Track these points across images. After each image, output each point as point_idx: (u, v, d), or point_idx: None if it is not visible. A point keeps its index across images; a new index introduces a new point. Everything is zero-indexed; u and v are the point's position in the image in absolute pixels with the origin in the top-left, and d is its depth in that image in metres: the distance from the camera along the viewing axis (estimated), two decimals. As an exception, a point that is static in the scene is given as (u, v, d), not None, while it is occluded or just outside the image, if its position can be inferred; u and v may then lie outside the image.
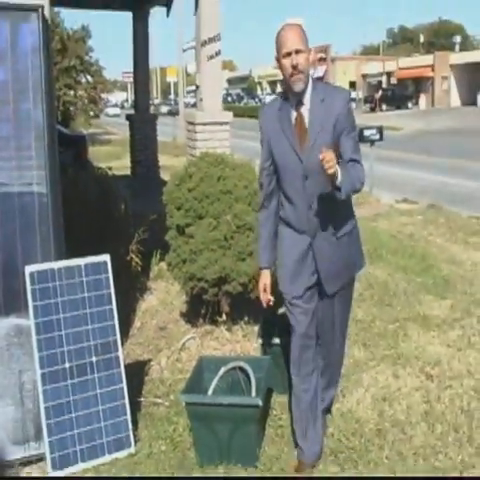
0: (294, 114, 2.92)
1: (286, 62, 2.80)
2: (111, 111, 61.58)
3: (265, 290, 3.21)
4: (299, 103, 2.90)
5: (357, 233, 3.20)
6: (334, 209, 2.95)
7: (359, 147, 2.97)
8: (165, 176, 10.58)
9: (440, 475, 3.12)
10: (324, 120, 2.85)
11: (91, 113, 26.98)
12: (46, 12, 3.39)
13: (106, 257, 3.45)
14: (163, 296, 5.71)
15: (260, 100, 60.65)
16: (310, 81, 2.90)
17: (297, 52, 2.78)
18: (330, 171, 2.61)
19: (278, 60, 2.86)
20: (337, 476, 3.13)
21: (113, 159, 17.49)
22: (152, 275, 6.07)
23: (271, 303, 3.21)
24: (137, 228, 5.58)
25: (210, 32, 6.97)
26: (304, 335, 3.11)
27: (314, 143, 2.84)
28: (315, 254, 3.05)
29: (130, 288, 5.51)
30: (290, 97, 2.92)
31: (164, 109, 55.34)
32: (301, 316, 3.10)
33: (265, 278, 3.23)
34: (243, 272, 4.48)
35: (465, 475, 3.11)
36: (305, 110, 2.90)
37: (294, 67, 2.79)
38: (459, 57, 50.81)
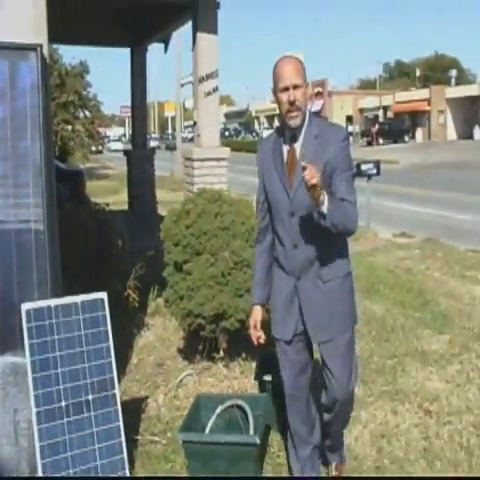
0: (287, 149, 2.87)
1: (283, 97, 2.74)
2: (113, 146, 62.03)
3: (255, 327, 3.10)
4: (293, 138, 2.84)
5: (350, 283, 2.98)
6: (322, 250, 2.83)
7: (354, 189, 2.83)
8: (163, 211, 10.65)
9: (440, 475, 3.11)
10: (315, 157, 2.73)
11: (93, 148, 27.22)
12: (45, 51, 3.46)
13: (103, 294, 3.46)
14: (160, 332, 5.71)
15: (257, 134, 61.32)
16: (307, 116, 2.83)
17: (295, 87, 2.71)
18: (312, 181, 2.47)
19: (275, 93, 2.80)
20: (337, 476, 3.11)
21: (110, 194, 17.63)
22: (149, 311, 6.09)
23: (261, 340, 3.09)
24: (134, 264, 5.62)
25: (207, 69, 7.10)
26: (291, 386, 3.04)
27: (302, 181, 2.65)
28: (300, 298, 2.91)
29: (127, 324, 5.53)
30: (285, 132, 2.87)
31: (153, 143, 55.76)
32: (289, 366, 3.02)
33: (256, 314, 3.13)
34: (240, 308, 4.51)
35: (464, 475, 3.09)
36: (298, 145, 2.83)
37: (291, 103, 2.72)
38: (455, 91, 51.57)
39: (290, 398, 3.08)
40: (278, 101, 2.78)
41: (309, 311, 2.89)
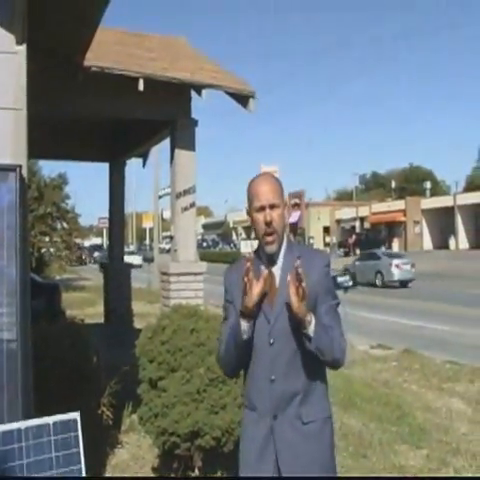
0: (265, 272, 2.63)
1: (259, 217, 2.56)
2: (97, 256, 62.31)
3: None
4: (271, 261, 2.62)
5: (331, 429, 2.65)
6: (304, 385, 2.55)
7: (340, 319, 2.61)
8: (139, 324, 10.73)
9: (440, 475, 3.06)
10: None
11: (73, 262, 27.26)
12: (24, 171, 3.58)
13: (76, 415, 3.40)
14: (134, 450, 5.67)
15: (235, 245, 62.27)
16: (285, 240, 2.64)
17: (272, 207, 2.55)
18: (295, 306, 2.37)
19: (250, 214, 2.64)
20: (338, 476, 3.05)
21: (87, 306, 17.64)
22: (124, 428, 6.06)
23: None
24: (109, 380, 5.66)
25: (185, 184, 7.43)
26: None
27: (283, 306, 2.50)
28: (276, 442, 2.53)
29: (100, 442, 5.48)
30: (261, 254, 2.66)
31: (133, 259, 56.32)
32: None
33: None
34: (216, 426, 4.55)
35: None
36: (277, 269, 2.61)
37: (268, 224, 2.54)
38: (430, 202, 53.45)
39: None
40: (253, 222, 2.61)
41: (286, 456, 2.53)
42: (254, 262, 2.61)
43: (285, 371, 2.53)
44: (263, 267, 2.63)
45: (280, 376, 2.53)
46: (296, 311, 2.40)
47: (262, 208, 2.56)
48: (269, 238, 2.56)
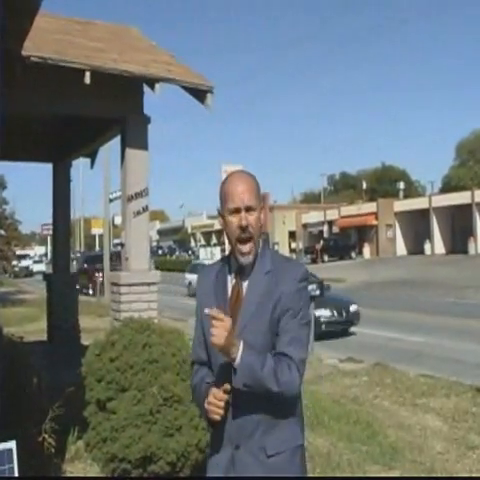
0: (232, 283, 2.57)
1: (233, 220, 2.47)
2: (36, 267, 61.22)
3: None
4: (240, 271, 2.55)
5: (302, 458, 2.54)
6: (268, 412, 2.43)
7: (303, 342, 2.49)
8: (87, 340, 10.61)
9: (440, 475, 3.10)
10: (264, 298, 2.48)
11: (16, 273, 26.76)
12: None
13: (11, 444, 3.27)
14: (81, 480, 5.61)
15: (193, 252, 62.24)
16: (260, 246, 2.57)
17: (248, 210, 2.46)
18: (213, 339, 2.31)
19: (222, 216, 2.53)
20: (338, 476, 3.07)
21: (27, 322, 17.37)
22: (68, 456, 5.97)
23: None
24: (52, 403, 5.58)
25: (137, 187, 7.38)
26: None
27: (244, 327, 2.45)
28: (237, 474, 2.43)
29: (42, 473, 5.40)
30: (232, 261, 2.58)
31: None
32: None
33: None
34: (171, 449, 4.56)
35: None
36: (245, 282, 2.54)
37: (243, 228, 2.46)
38: (403, 204, 54.11)
39: None
40: (226, 225, 2.51)
41: None
42: (221, 272, 2.61)
43: (248, 396, 2.39)
44: (230, 278, 2.58)
45: (242, 402, 2.42)
46: (219, 344, 2.33)
47: (237, 211, 2.47)
48: (245, 248, 2.48)
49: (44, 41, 6.49)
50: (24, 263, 62.16)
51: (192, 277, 27.58)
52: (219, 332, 2.30)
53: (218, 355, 2.44)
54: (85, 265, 34.28)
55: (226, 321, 2.31)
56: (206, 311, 2.34)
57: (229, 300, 2.53)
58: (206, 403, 2.40)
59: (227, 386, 2.38)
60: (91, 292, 29.35)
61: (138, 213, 7.43)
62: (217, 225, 61.81)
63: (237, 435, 2.43)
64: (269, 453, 2.41)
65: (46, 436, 5.35)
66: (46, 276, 12.53)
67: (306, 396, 8.24)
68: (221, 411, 2.37)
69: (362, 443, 6.55)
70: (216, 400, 2.36)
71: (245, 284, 2.53)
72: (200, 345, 2.66)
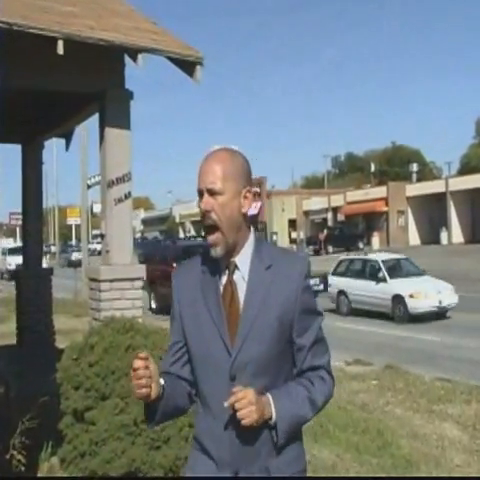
0: (223, 281, 2.44)
1: (199, 205, 2.40)
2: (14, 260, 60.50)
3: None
4: (232, 266, 2.44)
5: None
6: (271, 431, 2.36)
7: (325, 339, 2.50)
8: (62, 343, 10.58)
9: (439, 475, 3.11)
10: (269, 297, 2.38)
11: None
12: None
13: None
14: (55, 501, 5.61)
15: (182, 244, 61.99)
16: (251, 237, 2.46)
17: (211, 193, 2.34)
18: (245, 421, 2.20)
19: None
20: (337, 476, 3.09)
21: (-8, 324, 17.32)
22: (40, 474, 5.95)
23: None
24: (22, 415, 5.53)
25: (118, 171, 7.29)
26: None
27: (250, 329, 2.35)
28: None
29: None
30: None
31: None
32: None
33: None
34: (157, 464, 4.56)
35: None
36: (240, 278, 2.43)
37: (203, 214, 2.38)
38: (417, 188, 54.18)
39: None
40: None
41: None
42: (209, 266, 2.47)
43: None
44: (221, 273, 2.44)
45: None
46: (253, 422, 2.23)
47: (201, 193, 2.37)
48: (210, 238, 2.37)
49: (9, 4, 6.42)
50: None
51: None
52: (247, 412, 2.20)
53: (209, 370, 2.39)
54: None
55: (248, 393, 2.21)
56: (225, 405, 2.21)
57: (223, 300, 2.40)
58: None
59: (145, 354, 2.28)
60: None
61: (120, 200, 7.36)
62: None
63: (237, 460, 2.35)
64: (272, 474, 2.37)
65: (15, 452, 5.30)
66: (14, 272, 12.41)
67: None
68: (143, 381, 2.24)
69: (372, 455, 6.55)
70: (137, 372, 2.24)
71: (241, 283, 2.42)
72: (175, 357, 2.56)
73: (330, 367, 2.50)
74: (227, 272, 2.43)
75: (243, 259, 2.42)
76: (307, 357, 2.42)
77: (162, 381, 2.37)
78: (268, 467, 2.36)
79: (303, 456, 2.52)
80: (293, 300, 2.38)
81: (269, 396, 2.30)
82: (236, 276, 2.42)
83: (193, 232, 71.83)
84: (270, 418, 2.28)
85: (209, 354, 2.38)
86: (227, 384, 2.31)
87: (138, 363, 2.24)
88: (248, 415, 2.19)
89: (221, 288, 2.42)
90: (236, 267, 2.42)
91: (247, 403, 2.19)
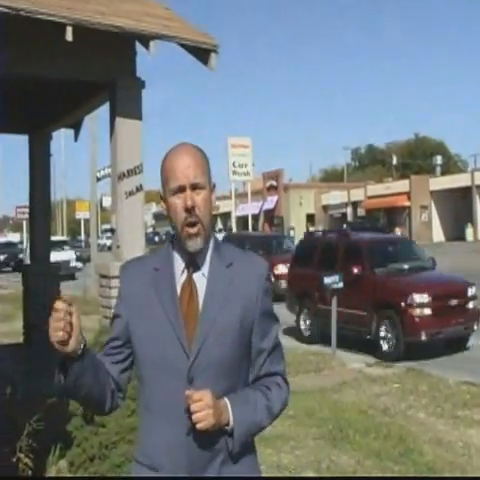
0: (182, 279, 2.42)
1: (176, 202, 2.36)
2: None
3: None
4: (192, 264, 2.42)
5: None
6: (226, 438, 2.34)
7: (281, 345, 2.52)
8: (71, 343, 10.58)
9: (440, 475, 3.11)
10: (230, 295, 2.37)
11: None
12: None
13: None
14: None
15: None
16: (211, 237, 2.47)
17: (194, 187, 2.35)
18: (200, 425, 2.17)
19: (164, 199, 2.43)
20: (338, 476, 3.09)
21: (0, 322, 17.41)
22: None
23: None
24: (29, 417, 5.55)
25: (129, 163, 7.29)
26: None
27: (210, 330, 2.32)
28: None
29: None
30: (178, 253, 2.45)
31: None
32: None
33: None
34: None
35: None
36: (200, 276, 2.41)
37: (188, 210, 2.34)
38: (441, 182, 53.78)
39: None
40: (169, 209, 2.40)
41: None
42: (164, 263, 2.45)
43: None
44: (178, 272, 2.41)
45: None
46: (209, 426, 2.20)
47: (181, 189, 2.35)
48: (192, 229, 2.34)
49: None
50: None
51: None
52: (203, 415, 2.17)
53: (164, 373, 2.33)
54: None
55: (204, 396, 2.18)
56: (187, 392, 2.18)
57: (180, 300, 2.37)
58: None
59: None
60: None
61: (131, 194, 7.36)
62: (223, 207, 61.67)
63: (193, 468, 2.29)
64: None
65: (21, 456, 5.32)
66: (20, 268, 12.38)
67: (327, 406, 8.26)
68: (61, 324, 2.16)
69: (394, 462, 6.54)
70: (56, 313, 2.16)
71: (201, 281, 2.40)
72: (108, 352, 2.51)
73: (286, 374, 2.50)
74: (186, 270, 2.41)
75: (202, 257, 2.42)
76: (265, 362, 2.44)
77: (84, 340, 2.29)
78: (222, 472, 2.32)
79: (258, 466, 2.49)
80: (254, 300, 2.40)
81: (227, 401, 2.29)
82: (196, 274, 2.41)
83: (221, 226, 71.56)
84: (227, 424, 2.27)
85: (164, 356, 2.33)
86: (184, 388, 2.25)
87: (60, 304, 2.16)
88: (204, 418, 2.17)
89: (178, 287, 2.39)
90: (196, 264, 2.41)
91: (204, 405, 2.17)
